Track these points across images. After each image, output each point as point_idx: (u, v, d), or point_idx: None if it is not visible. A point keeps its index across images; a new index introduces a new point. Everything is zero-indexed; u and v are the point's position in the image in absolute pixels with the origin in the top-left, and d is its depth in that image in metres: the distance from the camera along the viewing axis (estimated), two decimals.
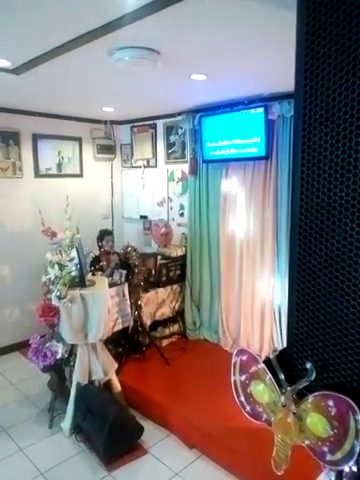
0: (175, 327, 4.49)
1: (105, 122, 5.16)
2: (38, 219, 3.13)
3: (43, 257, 3.10)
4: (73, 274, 3.02)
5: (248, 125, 3.72)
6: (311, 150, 1.15)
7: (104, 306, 3.08)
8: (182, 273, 4.55)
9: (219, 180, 4.18)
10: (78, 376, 3.07)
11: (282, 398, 1.22)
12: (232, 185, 4.11)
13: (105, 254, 4.00)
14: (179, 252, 4.50)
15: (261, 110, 3.58)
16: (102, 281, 3.26)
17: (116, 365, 3.33)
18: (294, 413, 1.19)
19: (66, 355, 3.14)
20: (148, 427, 3.08)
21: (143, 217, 5.23)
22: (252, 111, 3.66)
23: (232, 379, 1.38)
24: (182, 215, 4.73)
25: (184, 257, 4.54)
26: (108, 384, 3.26)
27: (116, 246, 4.20)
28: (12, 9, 1.84)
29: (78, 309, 2.97)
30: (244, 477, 2.61)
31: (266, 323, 3.94)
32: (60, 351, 3.07)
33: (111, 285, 3.64)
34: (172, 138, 4.69)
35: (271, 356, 1.26)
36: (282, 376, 1.23)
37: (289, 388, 1.21)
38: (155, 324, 4.31)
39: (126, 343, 3.86)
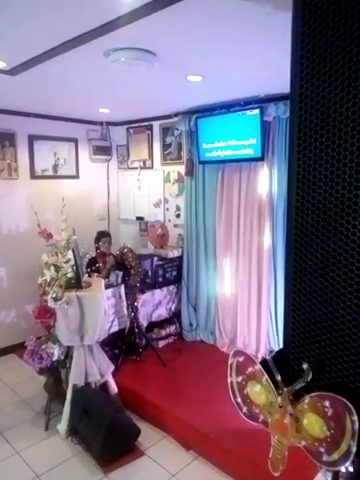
0: (171, 328, 4.49)
1: (101, 123, 5.16)
2: (34, 220, 3.12)
3: (39, 259, 3.09)
4: (69, 276, 3.01)
5: (244, 126, 3.73)
6: (306, 151, 1.16)
7: (100, 308, 3.07)
8: (178, 274, 4.55)
9: (215, 181, 4.19)
10: (74, 378, 3.06)
11: (279, 399, 1.23)
12: (228, 186, 4.12)
13: (102, 255, 3.99)
14: (175, 253, 4.50)
15: (257, 111, 3.59)
16: (98, 282, 3.25)
17: (112, 367, 3.32)
18: (291, 414, 1.19)
19: (62, 357, 3.13)
20: (145, 429, 3.07)
21: (139, 218, 5.22)
22: (248, 112, 3.67)
23: (229, 380, 1.38)
24: (178, 216, 4.73)
25: (180, 258, 4.54)
26: (104, 386, 3.25)
27: (112, 247, 4.19)
28: (8, 10, 1.83)
29: (74, 311, 2.96)
30: (241, 478, 2.61)
31: (262, 324, 3.94)
32: (56, 353, 3.06)
33: (107, 286, 3.64)
34: (168, 139, 4.70)
35: (267, 357, 1.26)
36: (279, 377, 1.23)
37: (286, 389, 1.21)
38: (151, 325, 4.31)
39: (122, 345, 3.85)
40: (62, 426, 3.09)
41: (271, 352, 1.28)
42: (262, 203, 3.84)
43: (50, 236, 3.10)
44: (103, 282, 3.33)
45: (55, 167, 4.79)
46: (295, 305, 1.26)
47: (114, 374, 3.38)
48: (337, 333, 1.14)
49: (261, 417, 1.31)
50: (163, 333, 4.37)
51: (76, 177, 5.01)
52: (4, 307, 4.45)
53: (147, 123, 4.90)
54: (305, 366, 1.18)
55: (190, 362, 3.97)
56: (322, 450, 1.11)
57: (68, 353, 3.16)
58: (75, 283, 3.03)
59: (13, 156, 4.38)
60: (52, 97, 3.70)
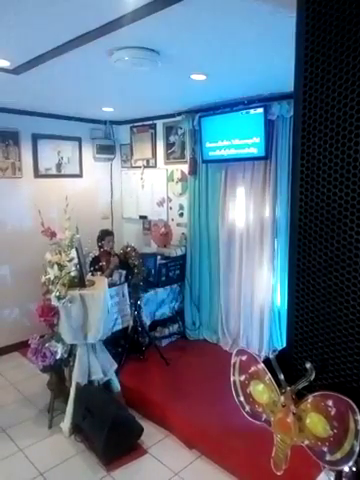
0: (175, 327, 4.49)
1: (105, 122, 5.16)
2: (38, 219, 3.13)
3: (43, 257, 3.10)
4: (72, 274, 3.01)
5: (248, 125, 3.72)
6: (310, 150, 1.15)
7: (103, 306, 3.08)
8: (181, 273, 4.55)
9: (218, 180, 4.19)
10: (77, 376, 3.07)
11: (282, 398, 1.22)
12: (231, 185, 4.11)
13: (105, 254, 4.00)
14: (178, 252, 4.50)
15: (261, 110, 3.58)
16: (101, 281, 3.26)
17: (115, 365, 3.33)
18: (294, 413, 1.19)
19: (65, 355, 3.14)
20: (147, 427, 3.08)
21: (143, 217, 5.22)
22: (252, 111, 3.66)
23: (231, 379, 1.38)
24: (181, 215, 4.74)
25: (183, 257, 4.54)
26: (107, 384, 3.26)
27: (116, 246, 4.19)
28: (11, 9, 1.84)
29: (77, 309, 2.97)
30: (243, 477, 2.61)
31: (265, 323, 3.94)
32: (59, 351, 3.07)
33: (111, 285, 3.64)
34: (172, 138, 4.69)
35: (271, 356, 1.26)
36: (282, 376, 1.23)
37: (289, 388, 1.21)
38: (154, 324, 4.32)
39: (126, 343, 3.86)
40: (65, 424, 3.10)
41: (274, 351, 1.28)
42: (265, 202, 3.83)
43: (54, 235, 3.11)
44: (106, 281, 3.34)
45: (59, 166, 4.80)
46: (298, 304, 1.25)
47: (117, 372, 3.38)
48: (340, 332, 1.14)
49: (264, 416, 1.31)
50: (166, 332, 4.38)
51: (79, 176, 5.02)
52: (8, 305, 4.47)
53: (150, 122, 4.90)
54: (308, 365, 1.18)
55: (193, 361, 3.97)
56: (325, 449, 1.11)
57: (71, 351, 3.17)
58: (78, 282, 3.04)
59: (17, 155, 4.39)
60: (56, 96, 3.70)
